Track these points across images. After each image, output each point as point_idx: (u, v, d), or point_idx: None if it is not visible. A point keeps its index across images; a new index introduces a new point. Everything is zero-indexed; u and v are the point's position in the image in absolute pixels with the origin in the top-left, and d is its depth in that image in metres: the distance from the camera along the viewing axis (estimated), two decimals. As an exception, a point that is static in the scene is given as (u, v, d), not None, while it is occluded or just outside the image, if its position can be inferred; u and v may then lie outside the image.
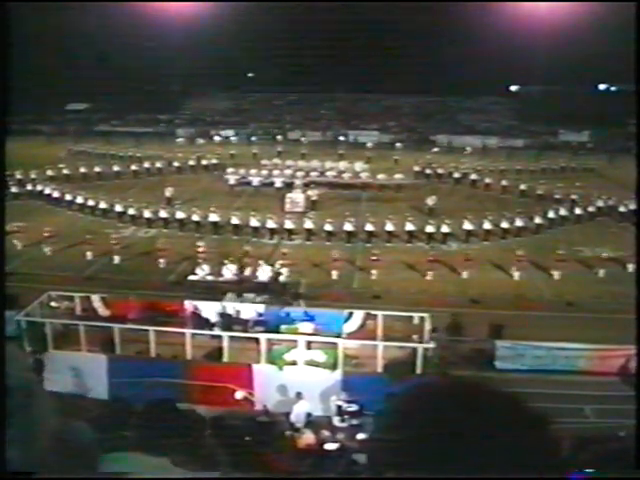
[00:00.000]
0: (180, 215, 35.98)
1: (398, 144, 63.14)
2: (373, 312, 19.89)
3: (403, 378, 16.38)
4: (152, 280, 27.87)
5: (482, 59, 59.35)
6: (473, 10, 55.95)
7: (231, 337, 18.41)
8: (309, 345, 18.35)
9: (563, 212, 37.69)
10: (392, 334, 19.02)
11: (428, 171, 49.42)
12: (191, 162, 52.18)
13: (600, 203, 39.46)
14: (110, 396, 17.39)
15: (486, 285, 27.90)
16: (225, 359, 18.20)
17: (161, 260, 30.07)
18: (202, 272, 26.64)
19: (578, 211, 38.43)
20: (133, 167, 49.84)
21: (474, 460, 1.46)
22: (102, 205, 38.67)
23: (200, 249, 29.29)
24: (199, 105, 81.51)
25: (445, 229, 33.65)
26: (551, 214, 37.01)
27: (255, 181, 45.90)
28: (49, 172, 46.53)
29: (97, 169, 48.46)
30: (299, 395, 16.47)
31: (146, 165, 50.63)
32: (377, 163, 51.63)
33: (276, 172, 46.91)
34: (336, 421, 16.33)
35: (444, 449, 1.49)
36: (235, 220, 34.84)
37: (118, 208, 37.79)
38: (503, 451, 1.49)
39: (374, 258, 29.44)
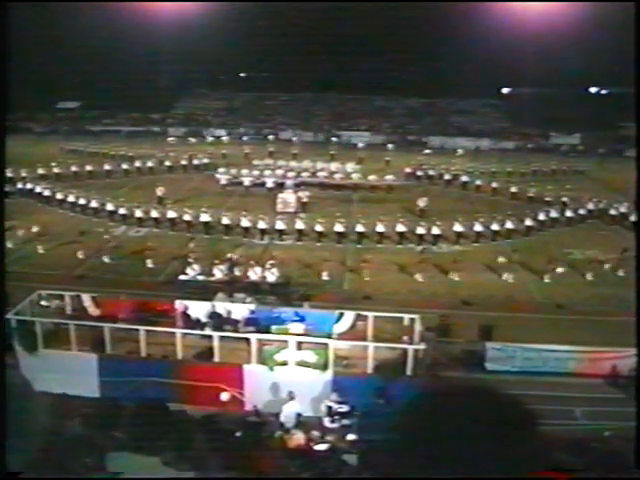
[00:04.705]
0: (171, 215, 35.91)
1: (390, 145, 63.37)
2: (364, 313, 19.90)
3: (394, 379, 16.41)
4: (143, 279, 27.84)
5: (474, 61, 59.51)
6: (465, 12, 56.04)
7: (222, 337, 18.36)
8: (300, 345, 18.33)
9: (554, 214, 37.79)
10: (383, 335, 19.04)
11: (419, 172, 49.52)
12: (183, 161, 52.19)
13: (591, 206, 39.62)
14: (100, 396, 17.36)
15: (477, 287, 27.95)
16: (216, 359, 18.16)
17: (151, 259, 30.02)
18: (193, 272, 26.63)
19: (569, 213, 38.54)
20: (124, 166, 49.76)
21: (471, 461, 1.48)
22: (93, 204, 38.60)
23: (191, 249, 29.29)
24: (191, 104, 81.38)
25: (436, 231, 33.70)
26: (542, 216, 37.11)
27: (246, 181, 45.89)
28: (40, 170, 46.36)
29: (88, 168, 48.32)
30: (290, 395, 16.45)
31: (137, 164, 50.57)
32: (368, 164, 51.72)
33: (267, 172, 46.97)
34: (326, 422, 16.33)
35: (439, 450, 1.50)
36: (226, 220, 34.83)
37: (109, 207, 37.73)
38: (496, 453, 1.50)
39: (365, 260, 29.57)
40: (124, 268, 29.59)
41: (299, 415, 16.26)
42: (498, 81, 73.32)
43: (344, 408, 16.17)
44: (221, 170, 47.83)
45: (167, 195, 40.74)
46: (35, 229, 32.97)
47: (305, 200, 40.44)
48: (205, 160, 52.36)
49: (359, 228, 33.86)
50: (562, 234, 36.25)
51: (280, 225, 34.40)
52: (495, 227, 34.68)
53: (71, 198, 39.82)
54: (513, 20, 58.90)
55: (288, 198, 40.06)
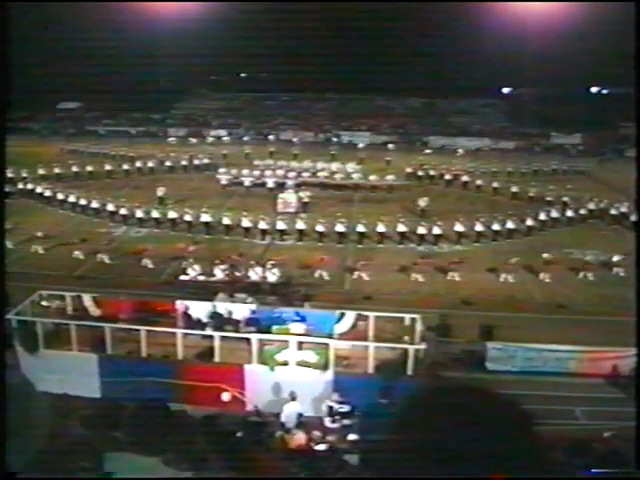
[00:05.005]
0: (172, 215, 35.90)
1: (390, 145, 63.32)
2: (364, 313, 19.89)
3: (395, 379, 16.39)
4: (143, 280, 27.82)
5: (475, 61, 59.55)
6: (466, 12, 56.06)
7: (222, 337, 18.36)
8: (300, 346, 18.32)
9: (554, 214, 37.74)
10: (383, 335, 19.02)
11: (420, 172, 49.48)
12: (183, 162, 52.18)
13: (591, 206, 39.57)
14: (101, 396, 17.36)
15: (477, 287, 27.92)
16: (216, 359, 18.15)
17: (152, 260, 30.01)
18: (194, 272, 26.63)
19: (569, 213, 38.50)
20: (125, 166, 49.76)
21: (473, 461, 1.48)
22: (94, 204, 38.60)
23: (191, 249, 29.28)
24: (192, 105, 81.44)
25: (437, 230, 33.68)
26: (542, 216, 37.06)
27: (247, 181, 45.89)
28: (41, 171, 46.40)
29: (89, 168, 48.35)
30: (292, 395, 16.43)
31: (138, 164, 50.59)
32: (369, 164, 51.73)
33: (268, 172, 46.94)
34: (327, 422, 16.32)
35: (442, 451, 1.50)
36: (227, 220, 34.82)
37: (110, 207, 37.72)
38: (497, 453, 1.50)
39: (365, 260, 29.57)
40: (124, 268, 29.58)
41: (300, 415, 16.25)
42: (498, 81, 73.38)
43: (345, 408, 16.15)
44: (222, 170, 47.83)
45: (168, 195, 40.73)
46: (36, 229, 32.91)
47: (306, 200, 40.42)
48: (206, 160, 52.40)
49: (360, 228, 33.82)
50: (563, 234, 36.20)
51: (281, 225, 34.39)
52: (496, 227, 34.64)
53: (72, 198, 39.83)
54: (513, 20, 58.92)
55: (289, 198, 40.04)
